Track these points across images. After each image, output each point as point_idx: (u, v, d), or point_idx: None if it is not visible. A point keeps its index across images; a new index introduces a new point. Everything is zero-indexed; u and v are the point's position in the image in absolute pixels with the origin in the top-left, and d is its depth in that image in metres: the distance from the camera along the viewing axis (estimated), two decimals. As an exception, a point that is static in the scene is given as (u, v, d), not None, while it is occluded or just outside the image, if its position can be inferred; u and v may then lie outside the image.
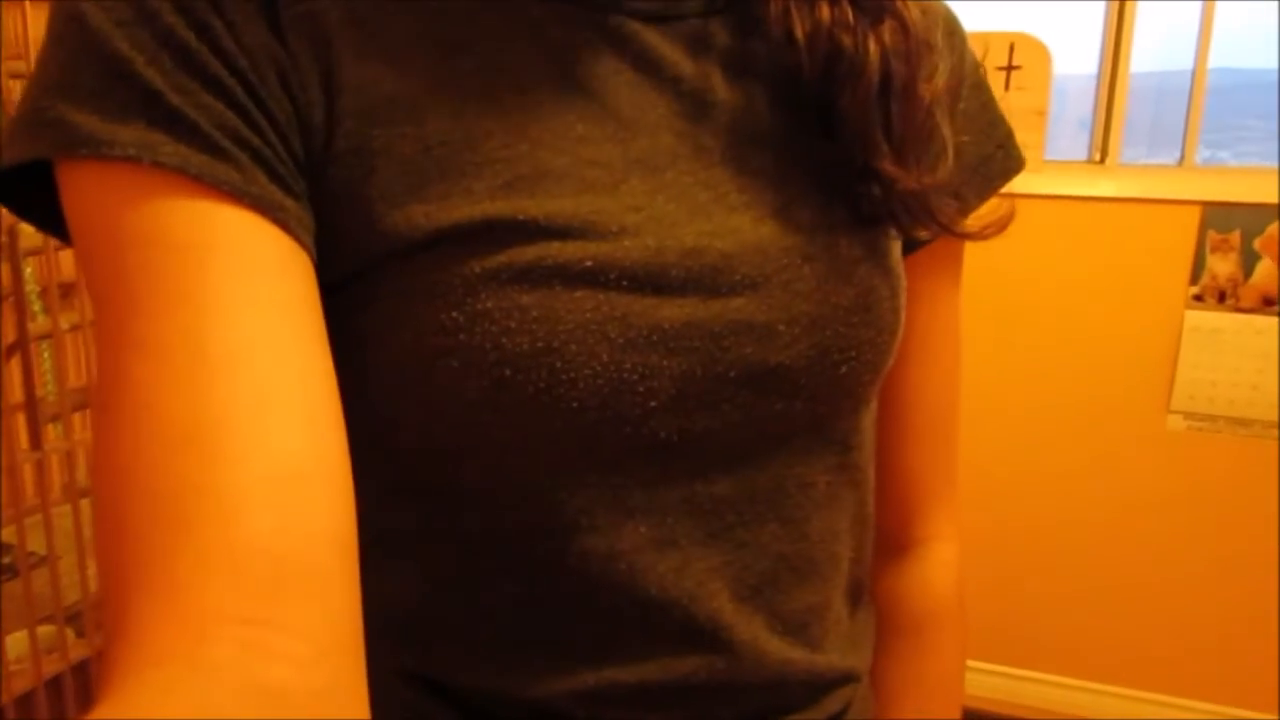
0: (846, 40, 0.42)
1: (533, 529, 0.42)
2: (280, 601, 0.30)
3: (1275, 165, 1.97)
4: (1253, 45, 2.07)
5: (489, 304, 0.37)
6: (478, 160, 0.38)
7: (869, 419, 0.48)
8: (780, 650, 0.45)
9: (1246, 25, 2.03)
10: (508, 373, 0.37)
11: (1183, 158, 2.07)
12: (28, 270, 1.38)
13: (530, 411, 0.38)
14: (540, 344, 0.37)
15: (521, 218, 0.38)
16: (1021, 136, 2.03)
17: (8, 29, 1.40)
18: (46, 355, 1.41)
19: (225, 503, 0.30)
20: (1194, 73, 2.02)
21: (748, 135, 0.43)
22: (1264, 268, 1.88)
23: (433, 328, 0.38)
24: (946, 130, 0.44)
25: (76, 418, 1.46)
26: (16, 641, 1.36)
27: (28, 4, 1.35)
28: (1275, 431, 1.92)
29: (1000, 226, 0.47)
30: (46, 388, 1.42)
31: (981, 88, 0.51)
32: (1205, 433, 1.97)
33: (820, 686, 0.48)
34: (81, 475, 1.47)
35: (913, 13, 0.44)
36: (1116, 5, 2.06)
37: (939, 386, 0.54)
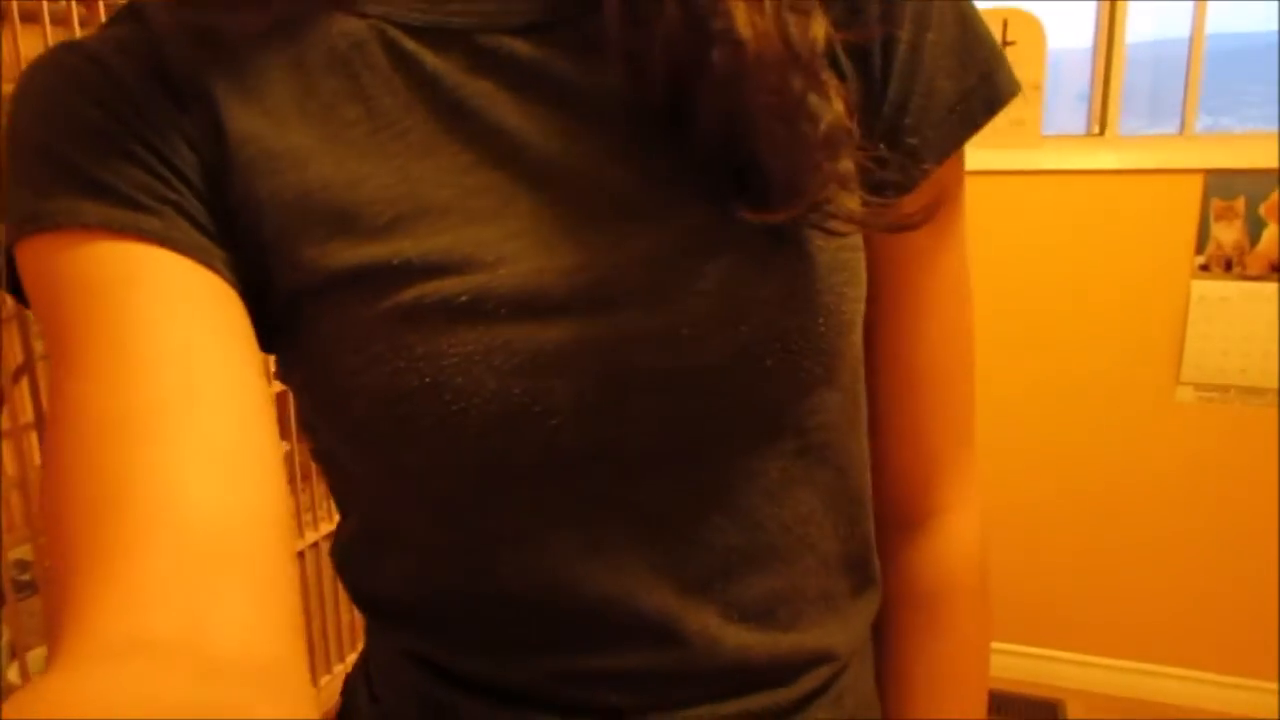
0: (687, 54, 0.39)
1: (466, 542, 0.44)
2: (223, 572, 0.30)
3: (1276, 130, 1.96)
4: (1250, 8, 2.05)
5: (380, 347, 0.39)
6: (358, 202, 0.40)
7: (835, 397, 0.46)
8: (737, 636, 0.45)
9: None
10: (405, 409, 0.39)
11: (1183, 126, 2.06)
12: (32, 290, 1.39)
13: (435, 441, 0.40)
14: (429, 380, 0.39)
15: (397, 261, 0.39)
16: (1017, 112, 2.02)
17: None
18: (54, 373, 1.42)
19: (160, 478, 0.31)
20: (1191, 40, 2.01)
21: (634, 140, 0.42)
22: (1270, 234, 1.87)
23: (339, 370, 0.40)
24: (832, 106, 0.40)
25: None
26: (37, 658, 1.37)
27: (19, 26, 1.36)
28: (1287, 398, 1.92)
29: (928, 215, 0.44)
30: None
31: (958, 14, 0.45)
32: (1215, 403, 1.97)
33: (792, 666, 0.47)
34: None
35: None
36: (1110, -25, 2.05)
37: (941, 347, 0.51)
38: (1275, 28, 2.00)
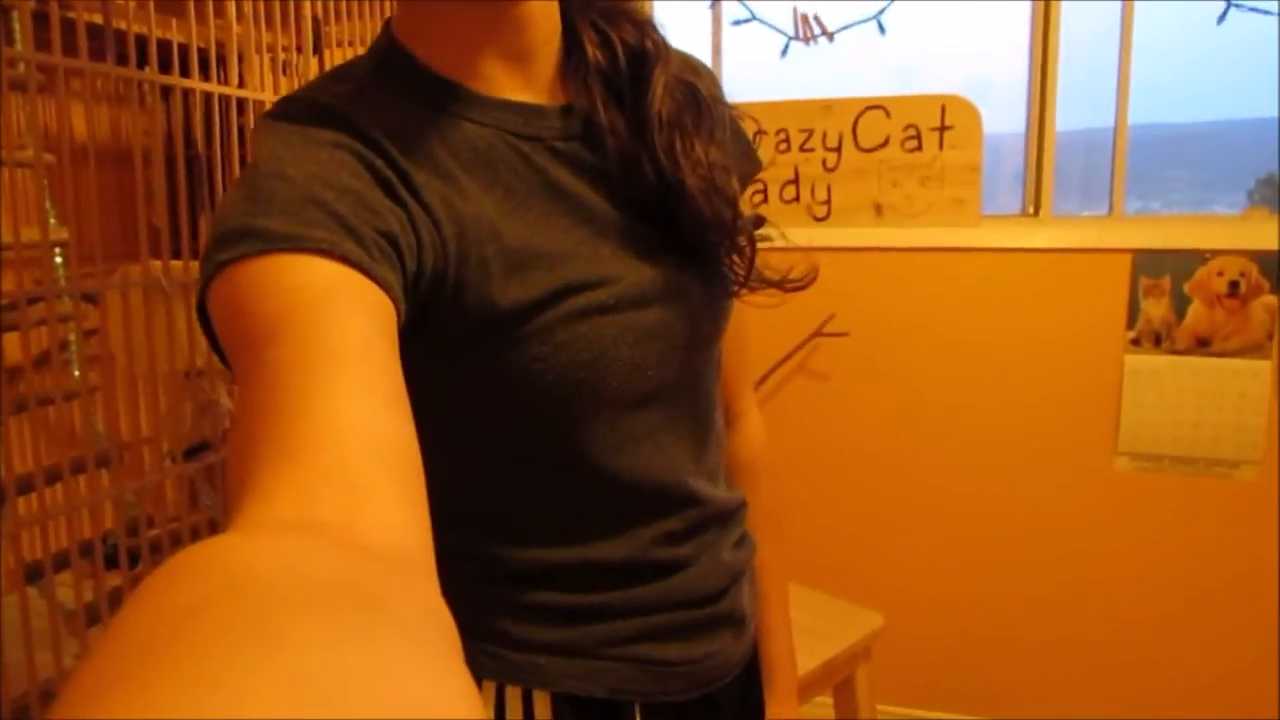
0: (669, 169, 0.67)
1: (573, 451, 0.66)
2: (378, 474, 0.36)
3: (1200, 212, 2.06)
4: (1174, 100, 2.17)
5: (563, 337, 0.62)
6: (534, 256, 0.62)
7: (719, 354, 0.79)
8: (715, 493, 0.76)
9: (1167, 82, 2.14)
10: (582, 375, 0.63)
11: (1111, 208, 2.15)
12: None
13: (590, 391, 0.64)
14: (596, 353, 0.64)
15: (569, 282, 0.63)
16: (958, 193, 2.10)
17: (12, 118, 1.41)
18: (-9, 438, 1.39)
19: (334, 402, 0.39)
20: (1115, 127, 2.11)
21: (629, 208, 0.68)
22: (1195, 309, 1.95)
23: (531, 358, 0.62)
24: (740, 224, 0.71)
25: (21, 501, 1.43)
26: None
27: (35, 95, 1.37)
28: (1218, 469, 1.97)
29: (808, 282, 0.73)
30: (-9, 471, 1.39)
31: (727, 115, 0.76)
32: (1151, 472, 2.02)
33: (731, 506, 0.79)
34: (27, 557, 1.44)
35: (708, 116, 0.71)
36: (1039, 64, 2.16)
37: (739, 329, 0.83)
38: (1198, 118, 2.11)
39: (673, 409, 0.71)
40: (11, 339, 1.43)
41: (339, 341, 0.42)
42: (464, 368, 0.62)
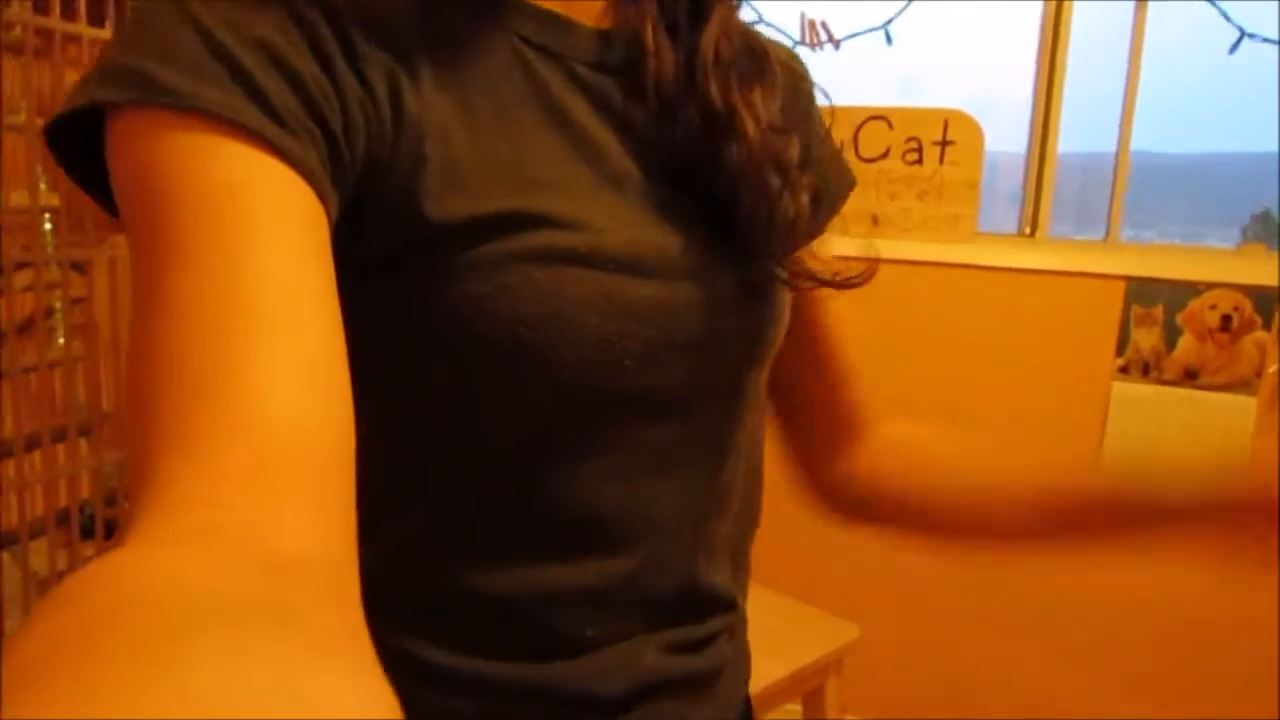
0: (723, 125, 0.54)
1: (517, 459, 0.52)
2: (295, 471, 0.32)
3: (1196, 244, 2.06)
4: (1177, 130, 2.18)
5: (510, 278, 0.47)
6: (494, 172, 0.49)
7: (760, 384, 0.61)
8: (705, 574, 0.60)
9: (1172, 111, 2.14)
10: (523, 331, 0.48)
11: (1108, 234, 2.16)
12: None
13: (537, 365, 0.48)
14: (549, 309, 0.48)
15: (531, 211, 0.49)
16: (955, 208, 2.10)
17: (3, 83, 1.39)
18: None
19: (248, 379, 0.34)
20: (1117, 154, 2.12)
21: (658, 168, 0.54)
22: (1185, 341, 1.96)
23: (465, 297, 0.47)
24: (799, 201, 0.56)
25: (-1, 467, 1.42)
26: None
27: (31, 59, 1.35)
28: (1197, 499, 1.98)
29: (865, 278, 0.59)
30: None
31: (824, 128, 0.66)
32: (1131, 500, 2.02)
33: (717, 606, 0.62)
34: (4, 525, 1.43)
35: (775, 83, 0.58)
36: (1044, 85, 2.16)
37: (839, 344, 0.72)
38: (1199, 150, 2.12)
39: (666, 432, 0.54)
40: (-4, 303, 1.41)
41: (256, 288, 0.36)
42: (386, 298, 0.48)
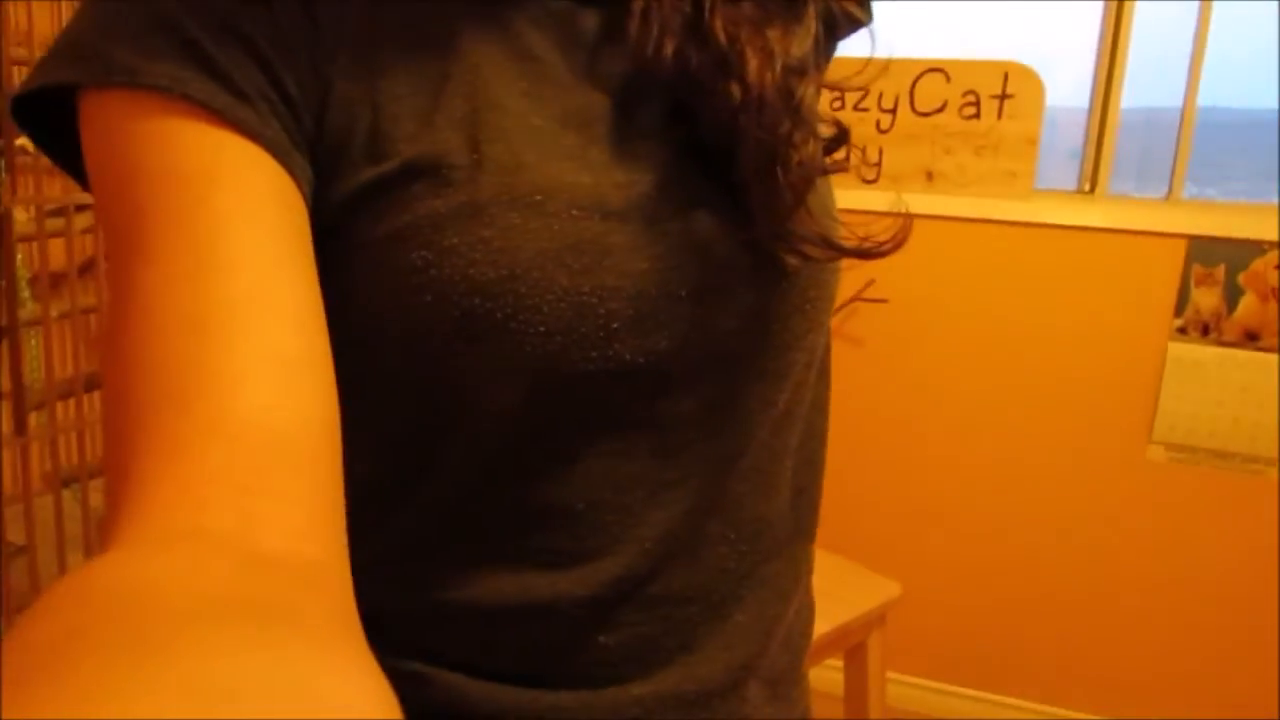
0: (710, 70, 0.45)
1: (502, 454, 0.45)
2: (276, 472, 0.31)
3: (1261, 201, 2.00)
4: (1243, 84, 2.10)
5: (454, 240, 0.41)
6: (441, 112, 0.43)
7: (821, 343, 0.54)
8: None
9: (1238, 64, 2.07)
10: (477, 301, 0.41)
11: (1169, 192, 2.10)
12: (19, 257, 1.38)
13: (500, 338, 0.41)
14: (504, 272, 0.41)
15: (475, 155, 0.42)
16: (1012, 164, 2.05)
17: (10, 19, 1.40)
18: (34, 343, 1.41)
19: (224, 379, 0.33)
20: (1183, 109, 2.05)
21: (636, 101, 0.47)
22: (1247, 302, 1.91)
23: (405, 268, 0.41)
24: (812, 150, 0.47)
25: (60, 406, 1.45)
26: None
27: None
28: (1254, 465, 1.94)
29: (896, 244, 0.50)
30: (32, 375, 1.41)
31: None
32: (1185, 464, 1.99)
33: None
34: (64, 463, 1.46)
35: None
36: (1110, 38, 2.09)
37: None
38: (1266, 105, 2.05)
39: (683, 406, 0.47)
40: (57, 245, 1.44)
41: (224, 281, 0.34)
42: (338, 275, 0.42)
